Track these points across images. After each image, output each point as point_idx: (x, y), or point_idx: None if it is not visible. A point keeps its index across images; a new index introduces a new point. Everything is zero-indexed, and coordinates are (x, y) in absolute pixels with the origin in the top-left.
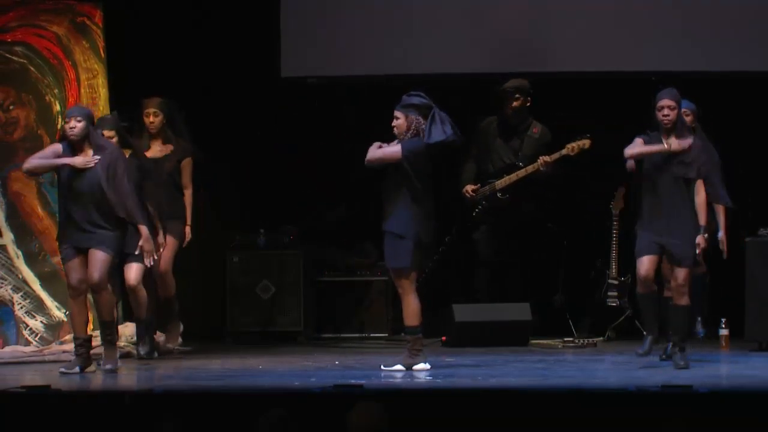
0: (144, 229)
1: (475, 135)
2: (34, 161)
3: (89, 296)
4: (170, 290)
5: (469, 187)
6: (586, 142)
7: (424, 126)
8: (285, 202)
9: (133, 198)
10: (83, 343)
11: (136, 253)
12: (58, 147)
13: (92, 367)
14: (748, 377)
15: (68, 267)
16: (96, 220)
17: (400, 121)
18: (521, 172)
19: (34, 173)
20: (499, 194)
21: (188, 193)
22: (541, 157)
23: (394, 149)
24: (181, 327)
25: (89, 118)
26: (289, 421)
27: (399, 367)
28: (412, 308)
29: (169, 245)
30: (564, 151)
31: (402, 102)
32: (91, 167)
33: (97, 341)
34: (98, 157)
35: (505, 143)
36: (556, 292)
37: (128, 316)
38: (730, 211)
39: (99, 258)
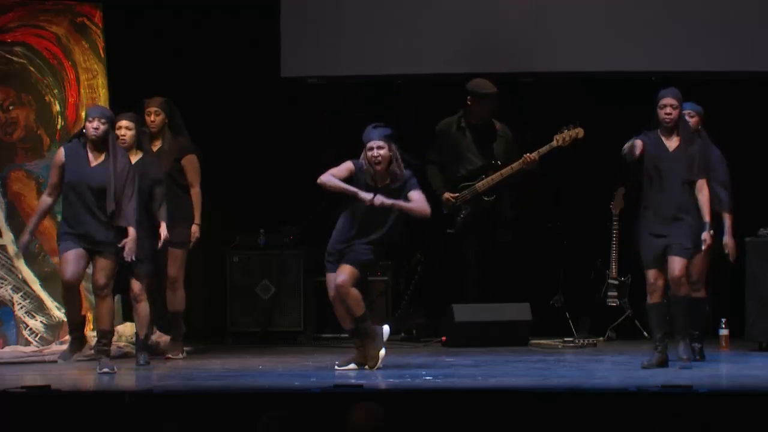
0: (132, 231)
1: (434, 139)
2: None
3: (88, 297)
4: (179, 305)
5: (449, 195)
6: (579, 131)
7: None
8: (285, 202)
9: (133, 206)
10: (77, 327)
11: (119, 245)
12: (60, 157)
13: (86, 349)
14: (748, 377)
15: (64, 258)
16: (101, 222)
17: (384, 151)
18: (505, 171)
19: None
20: (485, 197)
21: (195, 192)
22: (525, 155)
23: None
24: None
25: (112, 121)
26: (289, 421)
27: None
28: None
29: (175, 257)
30: (553, 144)
31: (381, 134)
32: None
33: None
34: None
35: (476, 144)
36: (556, 292)
37: (128, 316)
38: (734, 215)
39: (105, 264)
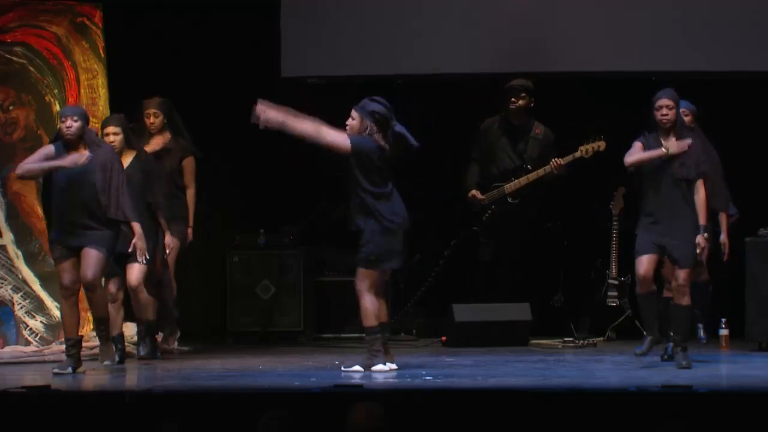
0: (137, 227)
1: (476, 137)
2: (26, 166)
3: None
4: (171, 293)
5: (477, 193)
6: (601, 144)
7: (376, 134)
8: (285, 202)
9: (127, 197)
10: (74, 344)
11: (130, 251)
12: (50, 149)
13: (83, 368)
14: (748, 377)
15: (61, 268)
16: (90, 220)
17: (355, 122)
18: (531, 176)
19: (27, 177)
20: (509, 199)
21: (190, 193)
22: (553, 159)
23: (342, 138)
24: (178, 333)
25: (85, 117)
26: (290, 421)
27: (357, 368)
28: (368, 309)
29: (171, 248)
30: (577, 154)
31: (362, 105)
32: (83, 165)
33: (94, 342)
34: (88, 154)
35: (510, 145)
36: (556, 292)
37: (128, 316)
38: (733, 215)
39: (92, 256)
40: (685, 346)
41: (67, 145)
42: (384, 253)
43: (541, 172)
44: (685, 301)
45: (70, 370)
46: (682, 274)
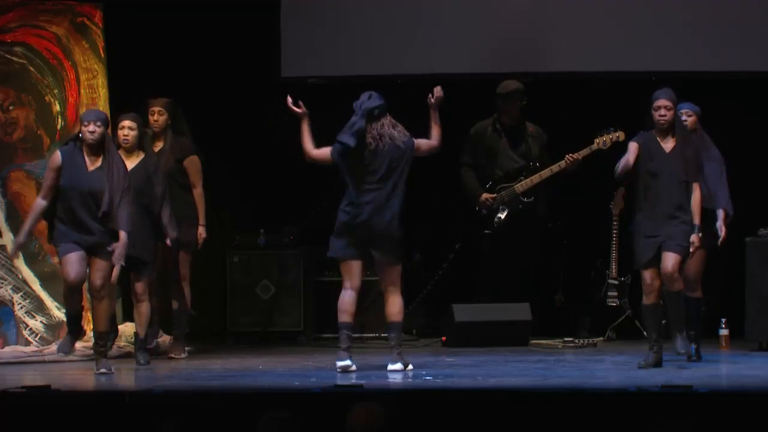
0: (124, 236)
1: (468, 143)
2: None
3: (88, 298)
4: (185, 303)
5: (487, 195)
6: (620, 134)
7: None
8: (285, 202)
9: (125, 208)
10: (75, 320)
11: (109, 249)
12: (57, 161)
13: (86, 338)
14: (748, 377)
15: (67, 260)
16: (98, 224)
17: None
18: (545, 173)
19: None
20: (524, 198)
21: (197, 192)
22: (568, 155)
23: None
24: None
25: (106, 122)
26: (290, 421)
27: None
28: (339, 303)
29: (180, 256)
30: (594, 146)
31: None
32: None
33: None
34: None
35: (511, 146)
36: (556, 292)
37: (129, 316)
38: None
39: (101, 266)
40: (682, 328)
41: (88, 149)
42: (342, 247)
43: (555, 168)
44: (676, 287)
45: (112, 369)
46: (670, 261)
